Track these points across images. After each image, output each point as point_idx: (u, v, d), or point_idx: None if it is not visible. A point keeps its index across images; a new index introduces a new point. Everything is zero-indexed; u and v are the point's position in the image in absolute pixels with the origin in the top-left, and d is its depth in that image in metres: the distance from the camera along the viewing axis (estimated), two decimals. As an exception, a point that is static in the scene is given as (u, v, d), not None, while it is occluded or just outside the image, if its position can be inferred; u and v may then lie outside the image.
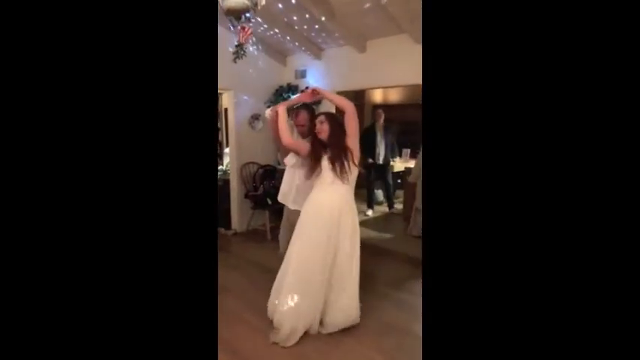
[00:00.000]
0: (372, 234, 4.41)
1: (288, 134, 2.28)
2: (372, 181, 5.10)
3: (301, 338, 2.25)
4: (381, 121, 4.96)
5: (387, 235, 4.38)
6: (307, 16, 3.43)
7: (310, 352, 2.15)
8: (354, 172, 2.28)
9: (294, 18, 3.55)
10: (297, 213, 2.43)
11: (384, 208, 5.46)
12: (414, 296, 2.83)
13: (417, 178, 3.89)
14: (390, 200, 5.31)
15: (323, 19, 3.33)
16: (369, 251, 3.84)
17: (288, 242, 2.44)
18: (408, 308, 2.66)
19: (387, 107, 6.83)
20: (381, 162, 4.96)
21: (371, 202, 5.19)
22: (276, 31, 3.83)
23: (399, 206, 5.41)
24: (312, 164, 2.30)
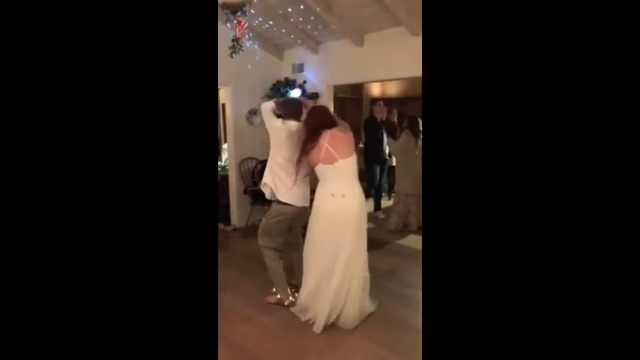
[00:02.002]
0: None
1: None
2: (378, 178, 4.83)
3: (301, 332, 2.26)
4: (384, 115, 4.71)
5: (379, 228, 4.38)
6: (304, 9, 3.41)
7: (310, 345, 2.16)
8: None
9: (291, 11, 3.53)
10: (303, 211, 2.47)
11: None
12: (410, 289, 2.84)
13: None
14: (377, 201, 4.91)
15: (320, 12, 3.31)
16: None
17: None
18: (406, 300, 2.67)
19: (385, 100, 6.79)
20: (386, 157, 4.79)
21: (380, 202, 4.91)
22: (273, 24, 3.81)
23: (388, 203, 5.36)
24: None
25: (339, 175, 2.29)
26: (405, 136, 4.17)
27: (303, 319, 2.39)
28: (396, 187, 4.39)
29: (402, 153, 4.21)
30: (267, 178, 2.47)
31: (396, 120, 4.78)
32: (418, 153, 4.07)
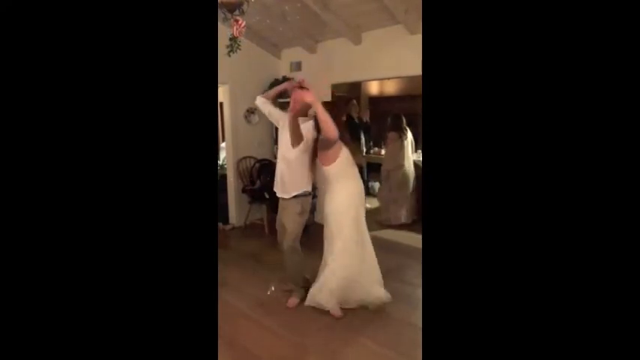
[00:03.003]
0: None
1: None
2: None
3: (301, 331, 2.27)
4: (365, 114, 5.07)
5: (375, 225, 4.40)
6: (301, 7, 3.40)
7: (310, 344, 2.17)
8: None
9: (289, 10, 3.52)
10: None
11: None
12: (410, 287, 2.84)
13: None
14: None
15: (318, 10, 3.30)
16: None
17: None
18: (406, 299, 2.67)
19: (384, 99, 6.79)
20: (363, 155, 5.11)
21: None
22: (271, 23, 3.80)
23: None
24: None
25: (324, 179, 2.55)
26: (391, 139, 4.35)
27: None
28: (383, 184, 4.54)
29: (392, 155, 4.40)
30: (307, 184, 2.53)
31: (369, 119, 5.06)
32: (402, 150, 4.28)
